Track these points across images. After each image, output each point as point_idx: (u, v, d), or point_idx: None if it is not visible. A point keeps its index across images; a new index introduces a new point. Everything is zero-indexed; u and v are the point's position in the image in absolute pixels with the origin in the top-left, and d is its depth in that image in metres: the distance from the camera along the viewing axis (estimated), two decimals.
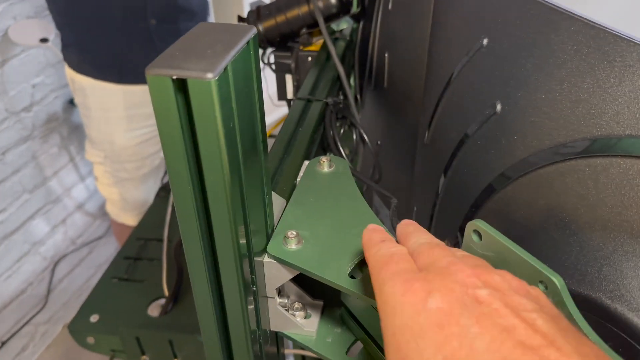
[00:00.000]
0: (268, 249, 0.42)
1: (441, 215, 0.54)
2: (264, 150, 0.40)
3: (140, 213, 1.53)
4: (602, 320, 0.33)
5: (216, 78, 0.30)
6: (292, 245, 0.43)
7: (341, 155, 0.65)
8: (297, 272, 0.43)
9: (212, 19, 2.30)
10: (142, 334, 0.94)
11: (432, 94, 0.55)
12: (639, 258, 0.32)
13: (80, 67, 1.33)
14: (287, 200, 0.49)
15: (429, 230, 0.58)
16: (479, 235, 0.35)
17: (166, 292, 1.01)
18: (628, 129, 0.33)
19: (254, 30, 0.35)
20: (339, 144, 0.65)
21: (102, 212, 2.33)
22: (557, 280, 0.31)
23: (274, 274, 0.43)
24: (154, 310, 1.03)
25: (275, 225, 0.45)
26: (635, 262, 0.32)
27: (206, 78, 0.30)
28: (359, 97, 0.92)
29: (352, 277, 0.41)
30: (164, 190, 1.33)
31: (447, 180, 0.52)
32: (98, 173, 1.49)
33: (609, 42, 0.34)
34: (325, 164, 0.53)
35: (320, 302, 0.49)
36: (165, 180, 1.43)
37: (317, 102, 0.68)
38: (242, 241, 0.39)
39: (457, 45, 0.50)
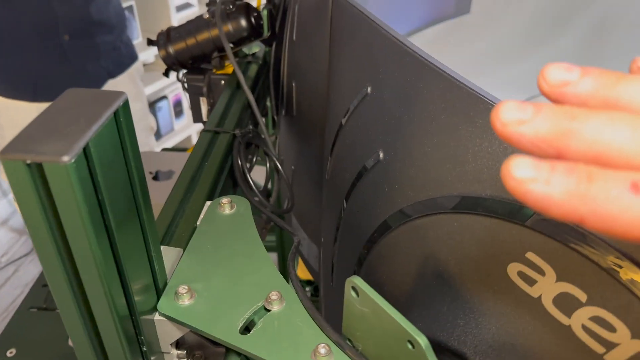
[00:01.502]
0: (159, 307, 0.42)
1: (341, 253, 0.56)
2: (146, 210, 0.39)
3: None
4: None
5: (73, 161, 0.29)
6: (185, 301, 0.42)
7: (250, 189, 0.65)
8: (188, 330, 0.43)
9: (135, 29, 2.24)
10: None
11: (331, 131, 0.56)
12: (499, 313, 0.34)
13: None
14: (185, 247, 0.49)
15: (331, 267, 0.59)
16: (356, 291, 0.37)
17: None
18: (488, 189, 0.35)
19: (123, 97, 0.35)
20: (248, 177, 0.65)
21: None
22: (422, 341, 0.32)
23: (167, 331, 0.43)
24: None
25: (168, 279, 0.45)
26: (495, 318, 0.34)
27: (61, 161, 0.29)
28: (275, 117, 0.92)
29: (247, 329, 0.42)
30: None
31: (343, 220, 0.53)
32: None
33: (473, 102, 0.35)
34: (226, 206, 0.53)
35: (222, 349, 0.49)
36: None
37: (225, 134, 0.67)
38: (122, 309, 0.38)
39: (348, 88, 0.51)
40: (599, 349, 0.29)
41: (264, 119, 0.80)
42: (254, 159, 0.75)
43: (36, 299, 1.06)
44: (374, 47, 0.47)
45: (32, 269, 2.07)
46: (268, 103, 0.92)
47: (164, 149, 1.24)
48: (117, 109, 0.34)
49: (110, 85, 1.37)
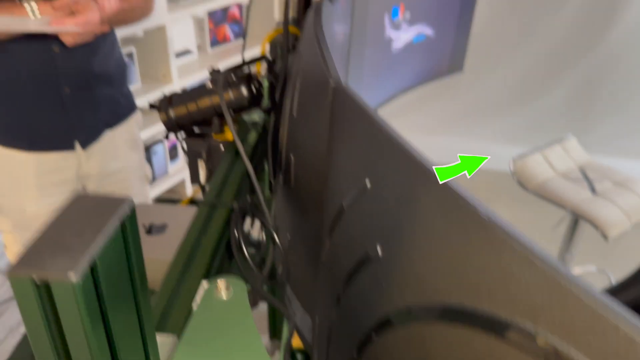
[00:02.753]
0: None
1: (337, 337, 0.56)
2: (145, 313, 0.40)
3: None
4: None
5: (80, 280, 0.30)
6: None
7: (246, 262, 0.65)
8: None
9: (135, 74, 2.27)
10: None
11: (330, 214, 0.57)
12: None
13: None
14: (180, 332, 0.49)
15: (327, 344, 0.59)
16: None
17: None
18: (485, 302, 0.35)
19: (130, 205, 0.35)
20: (244, 252, 0.65)
21: None
22: None
23: None
24: None
25: None
26: None
27: (69, 280, 0.29)
28: (272, 181, 0.93)
29: None
30: None
31: (339, 306, 0.53)
32: (7, 242, 1.41)
33: (470, 216, 0.36)
34: (222, 289, 0.53)
35: None
36: None
37: (222, 209, 0.68)
38: None
39: (348, 177, 0.52)
40: None
41: (260, 185, 0.81)
42: (253, 225, 0.76)
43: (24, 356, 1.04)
44: (373, 143, 0.48)
45: (17, 313, 2.03)
46: (266, 166, 0.94)
47: (158, 199, 1.24)
48: (124, 218, 0.34)
49: (108, 135, 1.38)
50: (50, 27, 1.04)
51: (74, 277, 0.29)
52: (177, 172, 2.64)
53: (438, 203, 0.39)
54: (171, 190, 2.71)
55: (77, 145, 1.33)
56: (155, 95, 2.30)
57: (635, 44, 2.89)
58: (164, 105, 0.89)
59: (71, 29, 1.05)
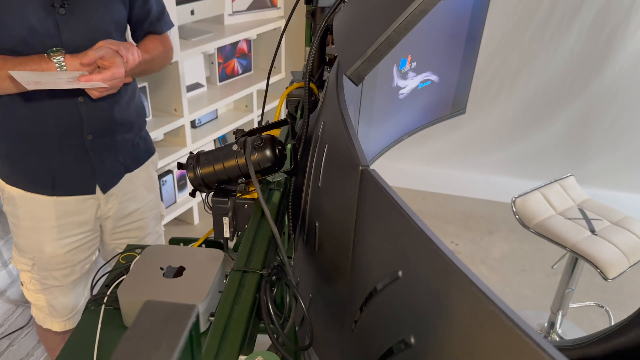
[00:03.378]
0: None
1: None
2: None
3: (68, 319, 1.49)
4: None
5: None
6: None
7: (273, 324, 0.69)
8: None
9: (148, 112, 2.33)
10: None
11: (358, 292, 0.61)
12: None
13: (11, 179, 1.32)
14: None
15: None
16: None
17: None
18: None
19: (195, 312, 0.40)
20: (273, 318, 0.70)
21: (24, 299, 2.22)
22: None
23: None
24: None
25: None
26: None
27: None
28: (293, 235, 0.98)
29: None
30: (94, 304, 1.31)
31: None
32: (25, 279, 1.45)
33: (496, 317, 0.41)
34: None
35: None
36: (95, 289, 1.41)
37: (252, 273, 0.73)
38: None
39: (379, 262, 0.57)
40: None
41: (285, 246, 0.85)
42: (276, 289, 0.80)
43: None
44: (403, 235, 0.53)
45: (28, 343, 2.05)
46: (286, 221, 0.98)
47: (173, 239, 1.28)
48: (192, 327, 0.39)
49: (127, 178, 1.43)
50: (78, 84, 1.09)
51: None
52: (185, 201, 2.69)
53: (467, 305, 0.43)
54: (178, 218, 2.76)
55: (98, 189, 1.37)
56: (166, 129, 2.36)
57: (630, 79, 2.97)
58: (192, 164, 0.94)
59: (98, 85, 1.10)
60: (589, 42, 2.93)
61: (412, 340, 0.50)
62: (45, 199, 1.32)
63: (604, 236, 1.88)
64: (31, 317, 2.15)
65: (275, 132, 1.03)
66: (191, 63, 2.58)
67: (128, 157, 1.42)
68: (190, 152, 0.97)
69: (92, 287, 1.41)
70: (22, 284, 1.48)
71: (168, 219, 2.59)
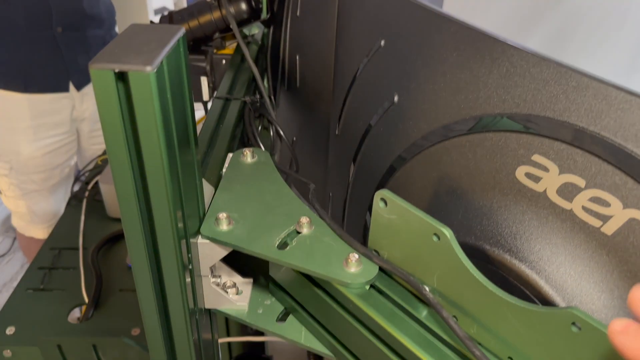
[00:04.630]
0: (201, 230, 0.47)
1: (353, 198, 0.61)
2: (194, 139, 0.44)
3: (50, 225, 1.48)
4: (484, 263, 0.41)
5: (154, 71, 0.34)
6: (224, 226, 0.47)
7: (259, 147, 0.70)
8: (229, 250, 0.47)
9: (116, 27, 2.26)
10: (64, 342, 0.93)
11: (340, 90, 0.62)
12: (508, 210, 0.40)
13: None
14: (215, 188, 0.53)
15: (343, 210, 0.64)
16: (385, 202, 0.42)
17: (86, 299, 1.00)
18: (497, 109, 0.41)
19: (182, 30, 0.40)
20: (258, 139, 0.70)
21: (5, 228, 2.20)
22: (447, 231, 0.38)
23: (208, 254, 0.48)
24: (74, 317, 1.02)
25: (206, 210, 0.49)
26: (505, 214, 0.40)
27: (146, 70, 0.34)
28: (272, 98, 0.97)
29: (281, 248, 0.46)
30: (75, 199, 1.30)
31: (356, 166, 0.59)
32: (3, 186, 1.42)
33: (480, 39, 0.42)
34: (248, 155, 0.57)
35: (250, 280, 0.54)
36: (76, 189, 1.40)
37: (235, 101, 0.72)
38: (180, 224, 0.43)
39: (359, 47, 0.57)
40: (596, 223, 0.35)
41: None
42: (259, 129, 0.80)
43: (32, 281, 1.07)
44: (385, 7, 0.53)
45: (9, 269, 2.04)
46: (265, 84, 0.98)
47: None
48: (179, 39, 0.39)
49: None
50: None
51: (150, 68, 0.34)
52: None
53: (452, 37, 0.44)
54: None
55: (72, 87, 1.34)
56: None
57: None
58: (165, 23, 0.92)
59: None
60: None
61: (396, 98, 0.50)
62: (18, 96, 1.29)
63: None
64: (12, 243, 2.14)
65: None
66: None
67: None
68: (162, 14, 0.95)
69: (72, 189, 1.41)
70: (0, 192, 1.46)
71: None
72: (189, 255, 0.45)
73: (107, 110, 0.35)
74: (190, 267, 0.46)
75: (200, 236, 0.47)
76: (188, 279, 0.46)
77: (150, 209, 0.41)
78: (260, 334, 1.06)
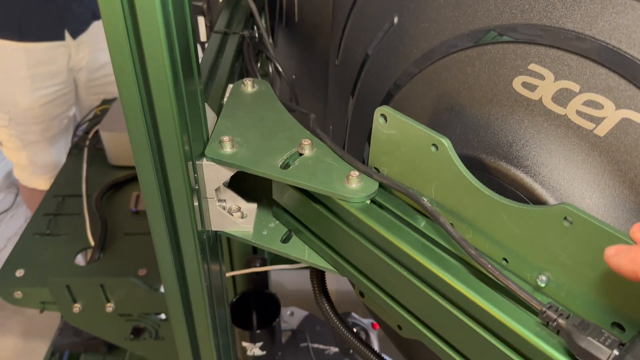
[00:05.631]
0: (206, 152, 0.48)
1: (353, 128, 0.62)
2: (196, 63, 0.45)
3: (52, 176, 1.49)
4: (481, 172, 0.42)
5: None
6: (227, 149, 0.48)
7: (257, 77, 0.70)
8: (233, 172, 0.49)
9: None
10: (73, 282, 0.96)
11: (339, 19, 0.62)
12: (505, 120, 0.41)
13: None
14: (217, 115, 0.54)
15: (343, 142, 0.65)
16: (385, 117, 0.43)
17: (92, 243, 1.03)
18: (495, 21, 0.41)
19: None
20: (257, 73, 0.70)
21: (7, 184, 2.22)
22: (445, 141, 0.39)
23: (213, 175, 0.49)
24: (81, 260, 1.04)
25: (210, 134, 0.50)
26: (502, 124, 0.41)
27: None
28: (271, 37, 0.97)
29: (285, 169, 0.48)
30: (76, 149, 1.31)
31: (355, 97, 0.59)
32: (3, 137, 1.43)
33: None
34: (248, 85, 0.58)
35: (254, 205, 0.55)
36: (76, 140, 1.40)
37: (234, 36, 0.72)
38: (186, 147, 0.44)
39: None
40: (589, 126, 0.36)
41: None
42: (258, 65, 0.80)
43: (39, 227, 1.09)
44: None
45: (13, 224, 2.07)
46: (264, 23, 0.97)
47: None
48: None
49: (96, 26, 1.38)
50: None
51: None
52: None
53: None
54: None
55: (67, 35, 1.33)
56: None
57: None
58: None
59: None
60: None
61: (395, 20, 0.51)
62: (14, 45, 1.28)
63: None
64: (15, 198, 2.16)
65: None
66: None
67: (94, 3, 1.37)
68: None
69: (72, 140, 1.41)
70: (1, 144, 1.46)
71: None
72: (195, 175, 0.47)
73: (112, 23, 0.35)
74: (196, 187, 0.47)
75: (205, 158, 0.48)
76: (196, 203, 0.48)
77: (158, 133, 0.42)
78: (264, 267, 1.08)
